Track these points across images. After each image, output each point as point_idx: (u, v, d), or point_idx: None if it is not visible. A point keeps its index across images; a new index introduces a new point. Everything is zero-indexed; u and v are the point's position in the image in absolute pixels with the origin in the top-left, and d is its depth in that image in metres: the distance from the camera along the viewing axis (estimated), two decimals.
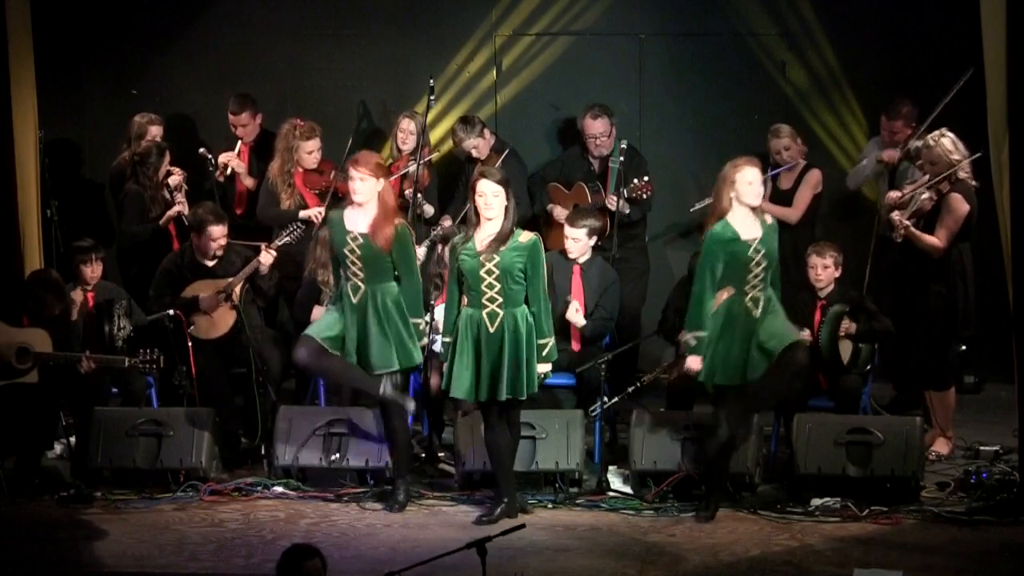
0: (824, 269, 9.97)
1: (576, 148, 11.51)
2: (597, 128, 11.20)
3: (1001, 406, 10.73)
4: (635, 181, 10.91)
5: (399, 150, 11.32)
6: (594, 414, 9.90)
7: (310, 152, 11.06)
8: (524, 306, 8.95)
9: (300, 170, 11.11)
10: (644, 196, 10.94)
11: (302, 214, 10.94)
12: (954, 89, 10.38)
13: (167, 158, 11.01)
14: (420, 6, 12.10)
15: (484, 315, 8.91)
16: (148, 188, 10.98)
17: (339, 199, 11.18)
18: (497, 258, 8.87)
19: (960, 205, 9.80)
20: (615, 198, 10.90)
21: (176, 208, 10.93)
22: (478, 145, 11.19)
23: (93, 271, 10.30)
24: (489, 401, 8.97)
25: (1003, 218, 9.37)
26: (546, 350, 8.99)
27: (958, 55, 10.79)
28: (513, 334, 8.90)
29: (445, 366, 9.07)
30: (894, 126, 10.89)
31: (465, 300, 8.99)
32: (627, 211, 10.99)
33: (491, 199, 8.89)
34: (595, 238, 10.40)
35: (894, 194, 10.18)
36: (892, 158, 10.76)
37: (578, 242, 10.32)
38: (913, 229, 9.78)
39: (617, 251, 10.80)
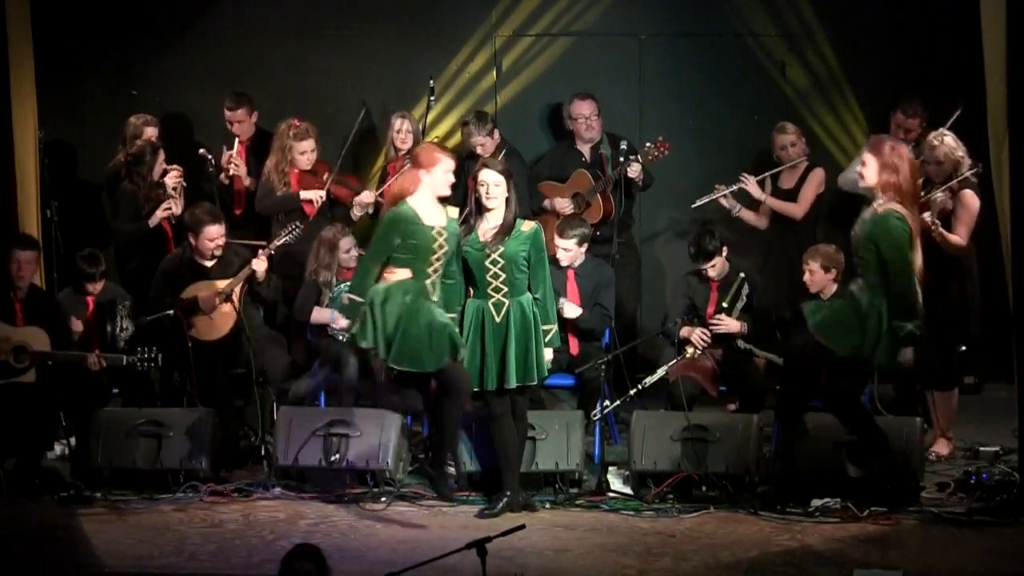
0: (811, 275, 9.97)
1: (563, 143, 11.54)
2: (585, 108, 11.24)
3: (1001, 407, 10.73)
4: (648, 144, 10.92)
5: (397, 150, 11.32)
6: (595, 418, 9.90)
7: (303, 153, 11.06)
8: (528, 294, 9.03)
9: (295, 171, 11.12)
10: (663, 155, 10.92)
11: (303, 195, 10.94)
12: (948, 122, 10.35)
13: (161, 157, 10.99)
14: (420, 6, 12.11)
15: (490, 305, 8.97)
16: (142, 187, 10.98)
17: (334, 202, 11.19)
18: (502, 248, 8.93)
19: (973, 200, 9.82)
20: (637, 164, 10.90)
21: (165, 207, 10.88)
22: (484, 143, 11.19)
23: (95, 287, 10.32)
24: (495, 391, 8.98)
25: (1003, 218, 9.38)
26: (549, 336, 9.08)
27: (958, 55, 10.80)
28: (520, 322, 8.96)
29: None
30: (910, 123, 10.86)
31: (470, 292, 9.02)
32: (641, 177, 11.00)
33: (493, 189, 8.96)
34: (586, 245, 10.40)
35: None
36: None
37: (568, 251, 10.33)
38: (943, 230, 9.78)
39: (617, 250, 10.80)
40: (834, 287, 10.01)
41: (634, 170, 10.96)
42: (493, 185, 8.98)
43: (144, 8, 12.16)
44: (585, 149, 11.34)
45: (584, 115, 11.26)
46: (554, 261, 10.22)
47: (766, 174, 11.13)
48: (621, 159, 10.99)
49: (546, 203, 11.28)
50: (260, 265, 10.33)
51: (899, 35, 11.75)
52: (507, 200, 8.99)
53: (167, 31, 12.17)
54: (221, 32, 12.18)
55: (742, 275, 10.06)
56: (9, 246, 9.93)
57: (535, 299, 9.03)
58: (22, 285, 9.92)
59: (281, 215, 11.03)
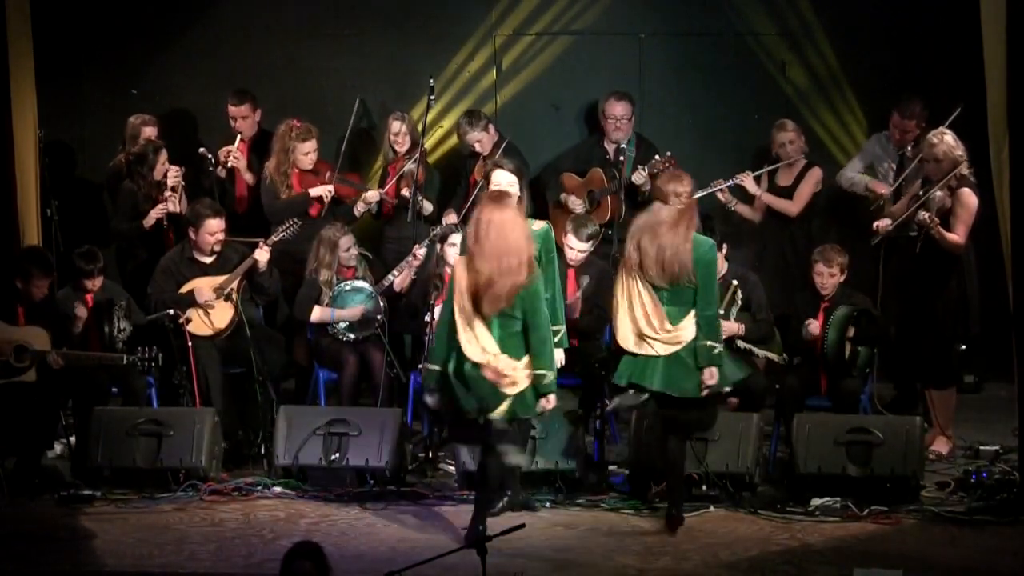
0: (831, 277, 9.98)
1: (592, 137, 11.57)
2: (619, 110, 11.25)
3: (1001, 405, 10.73)
4: (656, 157, 10.94)
5: (395, 152, 11.32)
6: (595, 419, 9.90)
7: (306, 153, 11.05)
8: None
9: (296, 171, 11.11)
10: (668, 170, 10.94)
11: (312, 192, 10.91)
12: (947, 122, 10.34)
13: (163, 156, 10.98)
14: (420, 6, 12.10)
15: None
16: (142, 187, 10.97)
17: (336, 200, 11.20)
18: None
19: (971, 199, 9.84)
20: (642, 172, 10.93)
21: (160, 207, 10.87)
22: (481, 140, 11.20)
23: (94, 284, 10.31)
24: None
25: (1003, 218, 9.39)
26: (558, 336, 9.03)
27: (958, 55, 10.80)
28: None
29: None
30: (907, 124, 10.88)
31: None
32: (648, 187, 11.03)
33: (507, 188, 8.95)
34: (595, 242, 10.42)
35: (883, 223, 10.22)
36: (886, 193, 10.72)
37: (582, 252, 10.34)
38: (940, 228, 9.79)
39: (618, 249, 10.81)
40: (836, 288, 10.04)
41: (638, 176, 10.97)
42: (507, 185, 8.99)
43: (144, 8, 12.15)
44: (610, 147, 11.35)
45: (616, 116, 11.27)
46: (560, 256, 10.23)
47: (763, 170, 11.14)
48: (621, 158, 11.01)
49: (562, 196, 11.29)
50: (263, 255, 10.35)
51: (899, 35, 11.75)
52: (519, 199, 9.01)
53: (167, 31, 12.16)
54: (221, 32, 12.18)
55: (734, 283, 10.04)
56: (29, 269, 9.86)
57: (544, 298, 9.02)
58: (35, 302, 9.92)
59: None
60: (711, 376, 8.67)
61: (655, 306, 8.66)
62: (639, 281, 8.71)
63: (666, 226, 8.64)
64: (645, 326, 8.68)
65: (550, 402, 8.57)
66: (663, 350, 8.69)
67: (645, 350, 8.69)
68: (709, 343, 8.64)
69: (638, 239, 8.70)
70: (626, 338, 8.72)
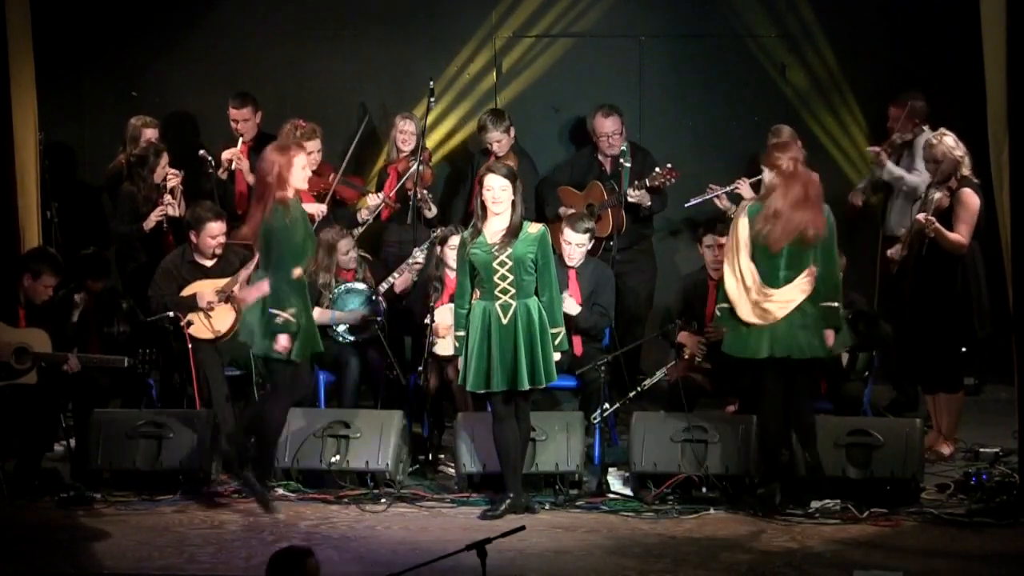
0: None
1: (586, 149, 11.55)
2: (609, 127, 11.23)
3: (1001, 408, 10.74)
4: (657, 169, 10.94)
5: (399, 151, 11.33)
6: (596, 421, 9.90)
7: (309, 153, 11.03)
8: (535, 296, 9.04)
9: None
10: (670, 182, 10.94)
11: (306, 208, 10.90)
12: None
13: (163, 159, 11.00)
14: (420, 8, 12.11)
15: (497, 307, 8.98)
16: (142, 189, 10.98)
17: (338, 202, 11.21)
18: (510, 250, 8.95)
19: (972, 199, 9.84)
20: (635, 192, 10.93)
21: (161, 209, 10.88)
22: (500, 140, 11.21)
23: (96, 286, 10.32)
24: (501, 393, 9.00)
25: (1003, 218, 9.39)
26: (558, 339, 9.08)
27: (958, 56, 10.81)
28: (527, 324, 8.98)
29: (460, 360, 9.11)
30: (893, 112, 10.92)
31: (477, 293, 9.04)
32: (648, 203, 11.03)
33: (499, 193, 8.99)
34: (592, 236, 10.44)
35: (894, 250, 10.23)
36: (882, 151, 10.82)
37: (581, 247, 10.35)
38: (940, 227, 9.79)
39: (618, 253, 10.82)
40: None
41: (634, 196, 10.97)
42: (499, 190, 9.01)
43: (144, 9, 12.16)
44: (605, 160, 11.34)
45: (607, 132, 11.24)
46: (559, 260, 10.23)
47: (760, 176, 11.10)
48: (621, 159, 11.00)
49: (560, 210, 11.28)
50: None
51: (899, 36, 11.76)
52: (513, 203, 9.03)
53: (167, 32, 12.17)
54: (221, 34, 12.19)
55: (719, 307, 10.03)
56: (39, 268, 9.85)
57: (541, 301, 9.05)
58: (36, 304, 9.91)
59: None
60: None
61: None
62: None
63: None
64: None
65: None
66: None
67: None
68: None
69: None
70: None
